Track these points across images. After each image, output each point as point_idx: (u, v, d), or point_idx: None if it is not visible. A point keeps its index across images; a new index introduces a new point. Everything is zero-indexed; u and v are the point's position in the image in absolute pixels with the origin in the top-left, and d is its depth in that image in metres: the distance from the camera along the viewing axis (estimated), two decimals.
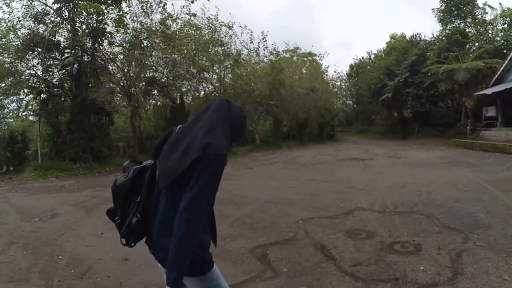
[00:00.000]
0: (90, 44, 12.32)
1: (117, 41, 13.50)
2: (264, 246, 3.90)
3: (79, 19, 11.89)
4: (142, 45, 13.20)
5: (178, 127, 1.51)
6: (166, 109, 15.72)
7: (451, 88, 17.71)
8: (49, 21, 11.95)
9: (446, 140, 16.26)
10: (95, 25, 11.97)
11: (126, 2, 12.76)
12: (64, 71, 12.13)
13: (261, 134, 20.95)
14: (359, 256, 3.52)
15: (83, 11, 10.94)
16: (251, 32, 21.79)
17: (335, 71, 42.66)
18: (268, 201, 6.12)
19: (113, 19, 12.21)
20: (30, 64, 12.65)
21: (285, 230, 4.49)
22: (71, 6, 11.63)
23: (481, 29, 18.96)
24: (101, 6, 11.19)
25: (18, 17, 11.80)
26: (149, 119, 15.51)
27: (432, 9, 19.44)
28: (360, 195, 6.22)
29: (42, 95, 11.66)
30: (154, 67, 15.07)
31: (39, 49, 11.85)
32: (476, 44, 18.59)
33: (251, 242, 3.92)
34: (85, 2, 10.63)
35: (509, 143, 12.07)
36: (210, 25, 15.37)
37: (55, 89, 12.20)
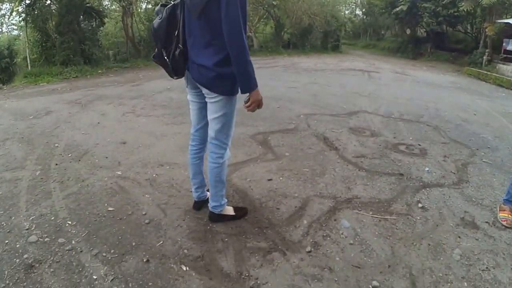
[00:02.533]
0: None
1: None
2: (265, 133, 3.72)
3: None
4: None
5: None
6: None
7: (473, 10, 15.89)
8: None
9: (459, 68, 15.35)
10: None
11: None
12: None
13: (260, 39, 19.30)
14: (362, 150, 3.39)
15: None
16: None
17: None
18: (268, 97, 5.72)
19: None
20: None
21: (287, 121, 4.30)
22: None
23: None
24: None
25: None
26: (142, 22, 13.74)
27: None
28: (364, 101, 5.92)
29: (26, 0, 10.09)
30: None
31: None
32: None
33: (252, 129, 3.71)
34: None
35: None
36: None
37: None
